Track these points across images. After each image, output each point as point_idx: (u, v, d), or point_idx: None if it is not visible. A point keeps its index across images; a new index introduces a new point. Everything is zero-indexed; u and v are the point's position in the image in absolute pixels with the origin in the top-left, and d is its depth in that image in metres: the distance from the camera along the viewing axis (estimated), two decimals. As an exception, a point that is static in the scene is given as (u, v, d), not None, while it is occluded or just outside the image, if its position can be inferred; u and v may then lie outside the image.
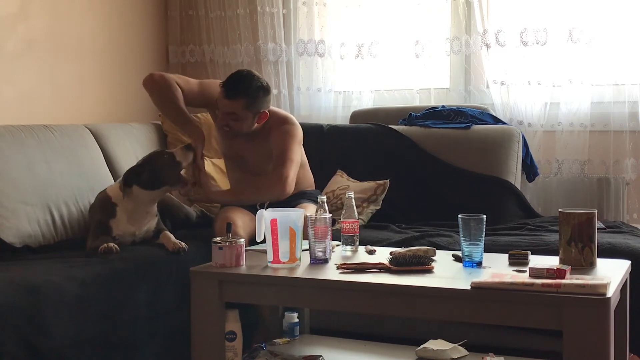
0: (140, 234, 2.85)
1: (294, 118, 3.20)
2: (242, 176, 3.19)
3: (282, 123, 3.12)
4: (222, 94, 2.96)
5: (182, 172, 2.90)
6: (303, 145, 3.23)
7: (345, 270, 2.27)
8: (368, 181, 3.48)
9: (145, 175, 2.79)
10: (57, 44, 3.63)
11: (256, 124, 3.06)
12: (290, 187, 3.01)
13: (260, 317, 2.92)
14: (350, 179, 3.53)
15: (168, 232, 2.86)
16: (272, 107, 3.17)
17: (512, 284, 1.99)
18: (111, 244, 2.65)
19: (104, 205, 2.83)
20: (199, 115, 3.82)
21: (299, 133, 3.15)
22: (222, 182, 3.55)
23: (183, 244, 2.75)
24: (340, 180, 3.54)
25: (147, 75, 3.10)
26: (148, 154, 2.92)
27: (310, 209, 2.99)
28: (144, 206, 2.83)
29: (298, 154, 3.11)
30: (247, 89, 2.95)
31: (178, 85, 3.08)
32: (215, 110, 3.15)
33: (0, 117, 3.25)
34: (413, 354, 2.58)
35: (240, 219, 2.93)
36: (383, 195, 3.42)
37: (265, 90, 3.02)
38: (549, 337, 2.54)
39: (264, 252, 2.38)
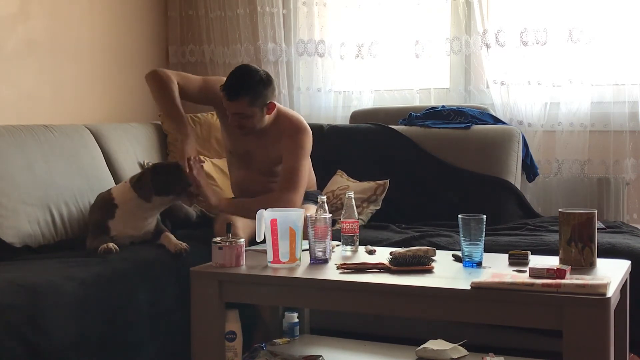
0: (139, 236, 2.84)
1: (306, 123, 3.12)
2: (246, 173, 3.17)
3: (295, 131, 3.06)
4: (224, 98, 2.93)
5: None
6: None
7: (345, 270, 2.27)
8: (368, 181, 3.48)
9: (161, 182, 2.78)
10: (57, 44, 3.63)
11: (267, 116, 3.02)
12: (299, 202, 2.97)
13: (260, 317, 2.92)
14: (350, 179, 3.53)
15: (169, 233, 2.86)
16: (284, 108, 3.15)
17: (512, 284, 1.99)
18: (111, 244, 2.65)
19: (104, 205, 2.83)
20: (199, 115, 3.82)
21: (310, 142, 3.10)
22: (222, 183, 3.55)
23: (184, 244, 2.75)
24: (340, 180, 3.54)
25: (150, 70, 3.13)
26: (160, 163, 2.89)
27: (311, 210, 2.99)
28: (146, 212, 2.83)
29: (306, 168, 3.07)
30: (246, 86, 2.91)
31: (178, 83, 3.09)
32: (220, 109, 3.13)
33: (0, 117, 3.25)
34: (413, 354, 2.59)
35: (240, 220, 2.93)
36: (383, 196, 3.42)
37: (265, 82, 2.97)
38: (549, 337, 2.54)
39: (264, 252, 2.38)
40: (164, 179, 2.80)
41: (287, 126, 3.07)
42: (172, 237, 2.82)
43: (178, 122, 3.06)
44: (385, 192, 3.43)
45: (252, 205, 2.81)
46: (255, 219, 2.60)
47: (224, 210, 2.97)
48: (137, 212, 2.81)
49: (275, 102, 3.02)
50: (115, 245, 2.65)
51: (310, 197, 3.17)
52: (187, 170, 2.85)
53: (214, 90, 3.08)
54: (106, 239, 2.72)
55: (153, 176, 2.79)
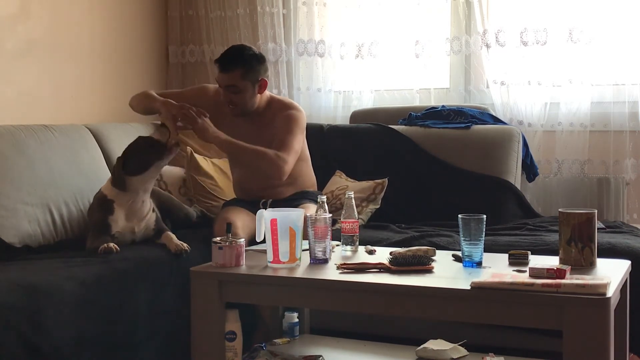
0: (140, 231, 2.84)
1: (299, 105, 3.19)
2: (247, 170, 3.17)
3: (287, 108, 3.11)
4: (218, 70, 2.98)
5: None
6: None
7: (345, 270, 2.27)
8: (367, 181, 3.48)
9: (130, 162, 2.80)
10: (57, 44, 3.63)
11: (258, 95, 3.05)
12: (287, 173, 2.98)
13: (260, 317, 2.92)
14: (349, 179, 3.53)
15: (170, 233, 2.86)
16: (276, 95, 3.17)
17: (512, 284, 1.99)
18: (111, 244, 2.65)
19: (101, 203, 2.83)
20: None
21: (303, 120, 3.12)
22: (222, 182, 3.55)
23: (185, 245, 2.75)
24: (339, 181, 3.53)
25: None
26: (129, 145, 2.90)
27: (311, 209, 2.99)
28: (140, 195, 2.83)
29: (299, 143, 3.08)
30: (240, 58, 2.97)
31: (160, 93, 3.14)
32: (212, 111, 3.13)
33: (0, 117, 3.25)
34: (413, 354, 2.58)
35: (240, 220, 2.93)
36: (382, 194, 3.42)
37: (259, 58, 3.03)
38: (549, 337, 2.54)
39: (264, 252, 2.38)
40: (131, 157, 2.81)
41: (278, 106, 3.11)
42: (173, 236, 2.82)
43: (154, 103, 3.03)
44: (384, 191, 3.43)
45: (246, 150, 2.93)
46: (248, 163, 2.77)
47: (219, 142, 2.95)
48: (132, 198, 2.81)
49: (266, 80, 3.05)
50: (115, 245, 2.65)
51: (310, 197, 3.17)
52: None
53: (192, 93, 3.16)
54: (107, 238, 2.72)
55: (125, 162, 2.80)
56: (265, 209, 3.03)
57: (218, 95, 3.12)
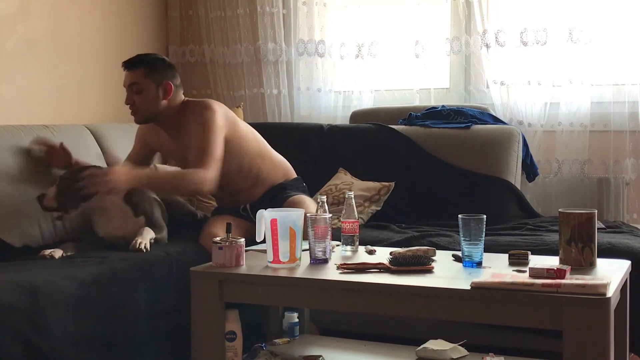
0: (130, 236, 2.82)
1: (212, 101, 3.00)
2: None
3: (198, 109, 2.95)
4: (124, 71, 2.94)
5: None
6: (299, 144, 3.19)
7: (345, 270, 2.27)
8: (373, 181, 3.48)
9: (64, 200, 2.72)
10: (57, 44, 3.63)
11: (164, 101, 2.94)
12: (212, 182, 2.84)
13: (267, 316, 2.91)
14: (354, 178, 3.53)
15: (147, 229, 2.83)
16: (192, 98, 3.08)
17: (512, 284, 1.98)
18: (49, 252, 2.64)
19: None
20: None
21: (216, 117, 2.93)
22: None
23: (144, 246, 2.72)
24: (344, 177, 3.54)
25: None
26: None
27: (300, 199, 2.97)
28: (115, 212, 2.84)
29: (218, 145, 2.90)
30: (144, 58, 2.97)
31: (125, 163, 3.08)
32: (161, 147, 3.12)
33: (0, 117, 3.25)
34: (413, 354, 2.58)
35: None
36: (386, 197, 3.42)
37: (167, 63, 3.00)
38: (549, 337, 2.54)
39: (264, 252, 2.38)
40: (64, 198, 2.72)
41: (191, 109, 2.99)
42: (147, 235, 2.79)
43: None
44: (388, 194, 3.43)
45: (164, 178, 2.90)
46: (169, 194, 2.76)
47: (137, 184, 2.81)
48: (113, 203, 2.82)
49: (171, 85, 2.95)
50: (57, 252, 2.65)
51: (293, 188, 3.13)
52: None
53: (143, 133, 3.13)
54: (94, 239, 2.77)
55: (58, 197, 2.72)
56: (248, 214, 3.03)
57: (152, 127, 3.06)
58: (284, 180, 3.19)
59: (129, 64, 2.95)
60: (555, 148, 3.66)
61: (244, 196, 3.12)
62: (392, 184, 3.45)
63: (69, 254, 2.69)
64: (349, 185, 3.42)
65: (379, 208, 3.41)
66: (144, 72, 2.93)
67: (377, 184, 3.45)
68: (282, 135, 3.67)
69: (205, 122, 2.91)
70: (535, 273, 2.05)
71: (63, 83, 3.68)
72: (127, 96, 2.95)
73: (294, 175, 3.25)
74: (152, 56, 3.02)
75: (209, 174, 2.83)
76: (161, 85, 2.95)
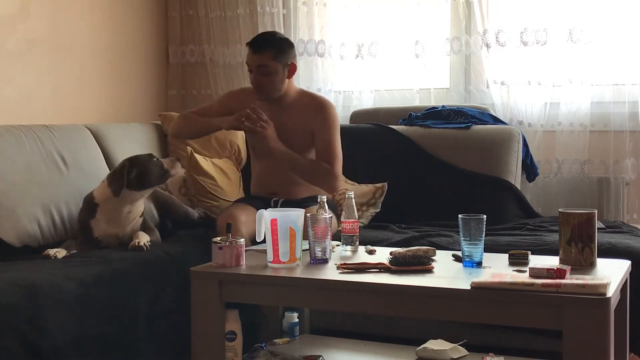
0: (125, 236, 2.84)
1: (330, 100, 3.25)
2: (267, 164, 3.14)
3: (323, 106, 3.13)
4: (249, 51, 3.03)
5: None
6: None
7: (345, 270, 2.27)
8: (366, 184, 3.47)
9: (135, 175, 2.80)
10: (57, 44, 3.63)
11: (287, 80, 3.08)
12: (339, 185, 3.10)
13: (265, 317, 2.91)
14: (349, 182, 3.53)
15: (142, 233, 2.85)
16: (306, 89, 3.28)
17: (512, 284, 1.98)
18: (53, 252, 2.64)
19: (86, 205, 2.86)
20: None
21: (338, 118, 3.19)
22: (223, 183, 3.55)
23: (143, 243, 2.74)
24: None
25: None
26: (135, 155, 2.91)
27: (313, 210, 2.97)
28: (126, 206, 2.83)
29: (340, 144, 3.12)
30: (272, 40, 3.05)
31: (195, 112, 3.26)
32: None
33: (0, 117, 3.25)
34: (413, 354, 2.58)
35: (243, 216, 2.91)
36: (382, 199, 3.43)
37: (289, 42, 3.11)
38: (549, 337, 2.54)
39: (264, 252, 2.38)
40: (138, 173, 2.82)
41: (313, 102, 3.14)
42: (143, 237, 2.81)
43: (215, 125, 3.14)
44: (384, 195, 3.43)
45: (301, 163, 3.03)
46: (302, 176, 2.93)
47: (279, 153, 3.01)
48: (118, 207, 2.82)
49: (295, 65, 3.09)
50: (61, 252, 2.66)
51: (331, 205, 3.13)
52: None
53: (226, 100, 3.24)
54: (89, 240, 2.76)
55: (129, 169, 2.81)
56: (277, 207, 3.04)
57: (244, 93, 3.19)
58: (324, 194, 3.20)
59: (257, 47, 3.01)
60: (555, 148, 3.66)
61: (288, 189, 3.15)
62: (385, 184, 3.45)
63: (72, 252, 2.70)
64: (344, 193, 3.38)
65: (377, 210, 3.41)
66: (272, 55, 3.01)
67: (371, 187, 3.45)
68: (282, 135, 3.66)
69: (331, 121, 3.10)
70: (535, 273, 2.05)
71: (63, 83, 3.68)
72: (254, 76, 3.05)
73: (330, 195, 3.29)
74: (278, 37, 3.10)
75: (338, 179, 3.07)
76: (287, 66, 3.06)
